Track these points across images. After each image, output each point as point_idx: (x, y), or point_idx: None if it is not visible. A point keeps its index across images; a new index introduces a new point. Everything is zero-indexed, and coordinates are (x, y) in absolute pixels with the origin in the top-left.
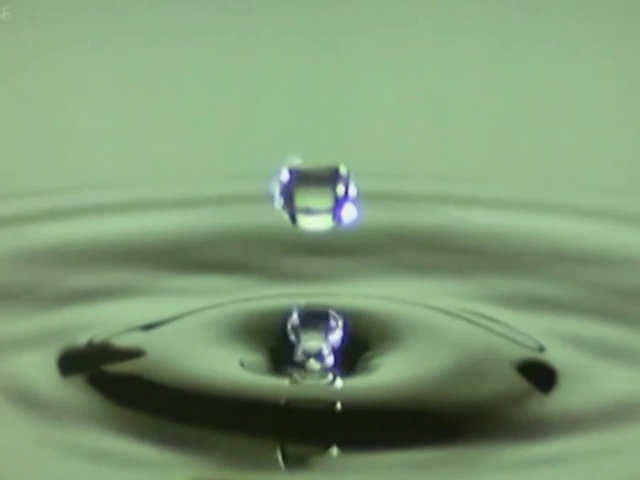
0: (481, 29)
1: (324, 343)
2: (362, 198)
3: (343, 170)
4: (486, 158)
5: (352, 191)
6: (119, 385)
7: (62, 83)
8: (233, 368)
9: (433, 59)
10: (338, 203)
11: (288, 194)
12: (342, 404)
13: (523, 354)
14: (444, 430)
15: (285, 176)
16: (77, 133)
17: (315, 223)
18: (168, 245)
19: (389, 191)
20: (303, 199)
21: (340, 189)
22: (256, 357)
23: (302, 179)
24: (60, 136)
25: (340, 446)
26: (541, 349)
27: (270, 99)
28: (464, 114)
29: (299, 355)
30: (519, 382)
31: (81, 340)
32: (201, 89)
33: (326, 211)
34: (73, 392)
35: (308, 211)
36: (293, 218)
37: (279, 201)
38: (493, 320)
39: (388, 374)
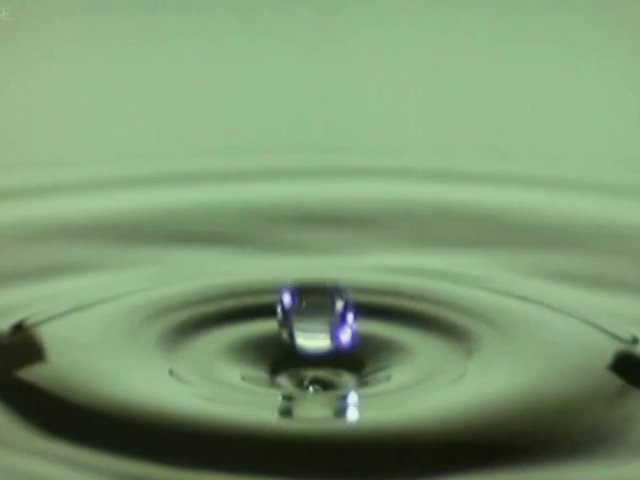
0: (480, 24)
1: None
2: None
3: (342, 294)
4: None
5: (350, 316)
6: (31, 391)
7: (61, 83)
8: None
9: (432, 52)
10: (336, 328)
11: (287, 317)
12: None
13: (615, 348)
14: (526, 447)
15: (285, 298)
16: (60, 124)
17: (312, 343)
18: (129, 222)
19: (407, 167)
20: (301, 323)
21: (339, 315)
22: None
23: (301, 302)
24: (43, 127)
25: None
26: (634, 341)
27: (271, 86)
28: (475, 94)
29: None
30: (618, 386)
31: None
32: (199, 79)
33: (324, 333)
34: None
35: (306, 333)
36: (291, 337)
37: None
38: (563, 302)
39: (466, 378)
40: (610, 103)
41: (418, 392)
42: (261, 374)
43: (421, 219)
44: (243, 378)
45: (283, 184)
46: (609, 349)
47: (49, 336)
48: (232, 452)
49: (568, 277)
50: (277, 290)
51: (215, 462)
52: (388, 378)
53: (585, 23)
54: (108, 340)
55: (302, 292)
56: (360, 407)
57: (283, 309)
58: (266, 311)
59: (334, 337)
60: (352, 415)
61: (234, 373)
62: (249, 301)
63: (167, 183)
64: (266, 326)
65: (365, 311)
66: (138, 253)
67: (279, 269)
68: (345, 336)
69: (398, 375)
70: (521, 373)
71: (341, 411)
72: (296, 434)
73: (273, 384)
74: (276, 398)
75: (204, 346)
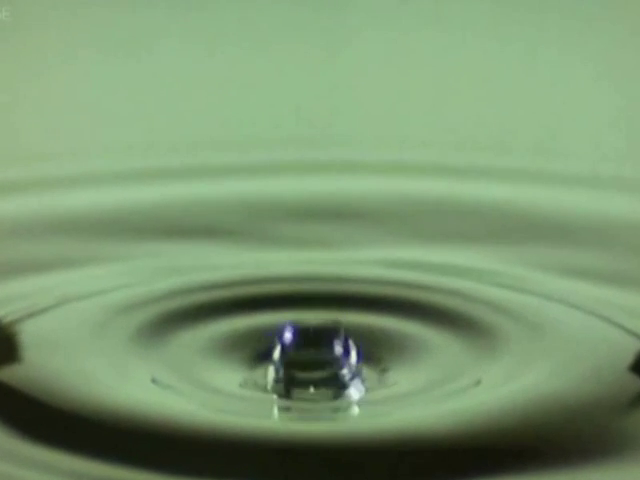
0: (479, 20)
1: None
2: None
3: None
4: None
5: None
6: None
7: (62, 83)
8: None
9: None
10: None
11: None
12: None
13: (636, 348)
14: (542, 451)
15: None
16: (57, 121)
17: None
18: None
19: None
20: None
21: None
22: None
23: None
24: (40, 125)
25: None
26: None
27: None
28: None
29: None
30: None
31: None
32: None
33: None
34: None
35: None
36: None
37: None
38: (577, 298)
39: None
40: (614, 98)
41: (429, 390)
42: (260, 371)
43: (422, 214)
44: (242, 383)
45: (283, 179)
46: (629, 349)
47: (30, 333)
48: (219, 459)
49: (573, 272)
50: (278, 329)
51: (197, 468)
52: (384, 369)
53: (586, 21)
54: (92, 337)
55: (303, 330)
56: (360, 412)
57: (283, 346)
58: (264, 304)
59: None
60: (348, 421)
61: (231, 370)
62: (245, 293)
63: (166, 177)
64: (265, 319)
65: (365, 305)
66: (134, 247)
67: (278, 262)
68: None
69: (402, 371)
70: (537, 373)
71: (341, 416)
72: (290, 440)
73: (272, 382)
74: (274, 399)
75: (195, 342)
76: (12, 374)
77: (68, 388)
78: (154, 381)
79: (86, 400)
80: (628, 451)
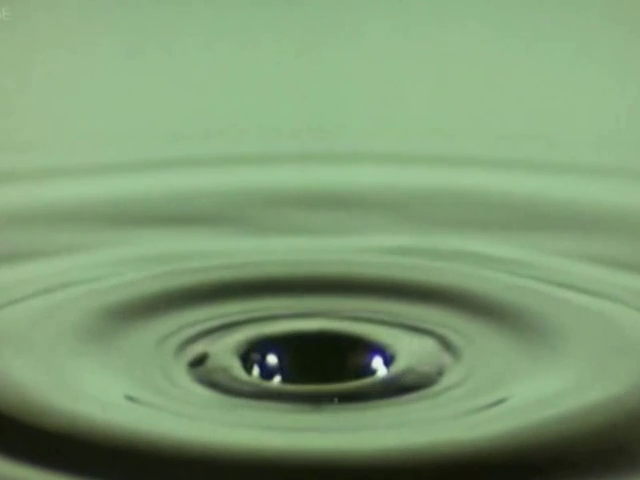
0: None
1: None
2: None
3: None
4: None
5: None
6: None
7: (61, 82)
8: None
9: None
10: None
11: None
12: None
13: None
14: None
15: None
16: (54, 119)
17: None
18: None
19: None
20: None
21: None
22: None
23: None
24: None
25: None
26: None
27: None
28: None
29: None
30: None
31: None
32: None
33: None
34: None
35: None
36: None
37: None
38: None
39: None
40: (615, 89)
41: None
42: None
43: (424, 203)
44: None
45: (285, 168)
46: None
47: None
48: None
49: (582, 258)
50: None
51: None
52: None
53: (587, 9)
54: (64, 336)
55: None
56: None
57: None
58: (254, 290)
59: None
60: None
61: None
62: (242, 279)
63: (165, 167)
64: (260, 306)
65: (369, 291)
66: (131, 235)
67: (280, 250)
68: None
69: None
70: (571, 376)
71: (364, 429)
72: (308, 456)
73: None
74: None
75: (191, 328)
76: None
77: (22, 388)
78: (129, 398)
79: (41, 403)
80: None
